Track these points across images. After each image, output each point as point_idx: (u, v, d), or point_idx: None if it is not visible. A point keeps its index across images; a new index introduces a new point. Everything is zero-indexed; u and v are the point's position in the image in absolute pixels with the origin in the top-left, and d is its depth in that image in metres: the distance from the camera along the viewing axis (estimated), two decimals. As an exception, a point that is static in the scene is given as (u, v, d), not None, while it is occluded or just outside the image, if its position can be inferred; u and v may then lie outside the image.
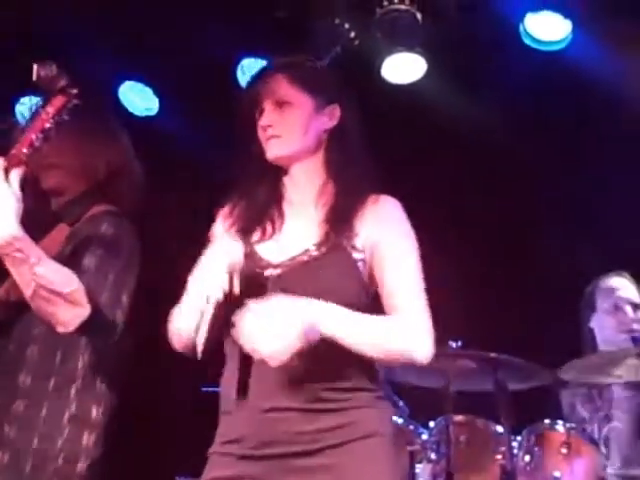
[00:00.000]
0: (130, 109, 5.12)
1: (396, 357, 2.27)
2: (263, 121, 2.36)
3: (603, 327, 4.24)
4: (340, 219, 2.33)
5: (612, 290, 4.27)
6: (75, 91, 2.42)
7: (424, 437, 3.78)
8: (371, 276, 2.32)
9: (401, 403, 4.00)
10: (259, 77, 2.45)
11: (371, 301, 2.33)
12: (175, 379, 4.84)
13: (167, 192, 4.71)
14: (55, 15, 4.72)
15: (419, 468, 3.73)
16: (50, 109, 2.39)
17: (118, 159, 2.82)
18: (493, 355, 3.68)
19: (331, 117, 2.41)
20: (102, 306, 2.53)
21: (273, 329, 2.06)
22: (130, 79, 5.11)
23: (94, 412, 2.63)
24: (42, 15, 4.71)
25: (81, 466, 2.57)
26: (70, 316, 2.44)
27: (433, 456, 3.70)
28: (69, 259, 2.57)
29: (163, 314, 2.37)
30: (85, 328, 2.47)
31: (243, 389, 2.22)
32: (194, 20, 4.76)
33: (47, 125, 2.38)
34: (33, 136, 2.36)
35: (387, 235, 2.33)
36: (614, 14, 4.50)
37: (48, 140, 2.40)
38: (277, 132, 2.36)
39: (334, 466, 2.17)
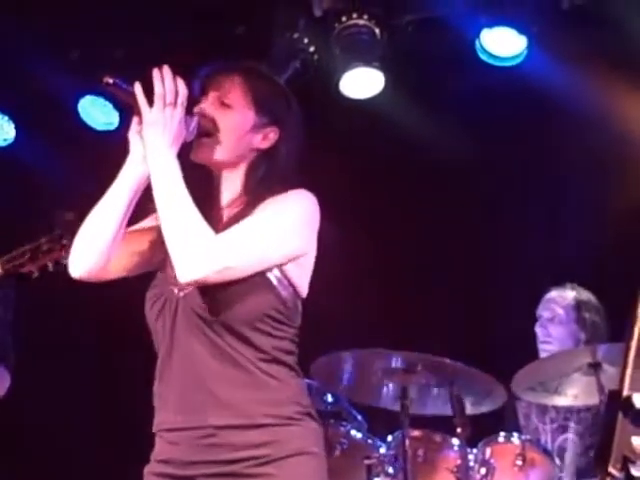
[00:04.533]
0: (90, 123, 5.11)
1: (172, 245, 2.21)
2: (201, 108, 2.36)
3: None
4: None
5: (541, 302, 4.33)
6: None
7: (382, 451, 3.81)
8: (285, 281, 2.30)
9: (359, 417, 4.04)
10: (219, 68, 2.43)
11: (291, 307, 2.30)
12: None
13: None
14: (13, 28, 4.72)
15: (377, 482, 3.77)
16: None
17: None
18: (448, 361, 3.70)
19: (265, 138, 2.40)
20: None
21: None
22: (91, 93, 5.10)
23: None
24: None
25: None
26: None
27: (390, 470, 3.74)
28: None
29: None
30: None
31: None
32: (153, 35, 4.77)
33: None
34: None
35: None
36: (568, 30, 4.58)
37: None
38: (209, 127, 2.34)
39: None
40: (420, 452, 3.75)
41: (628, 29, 4.35)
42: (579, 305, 4.24)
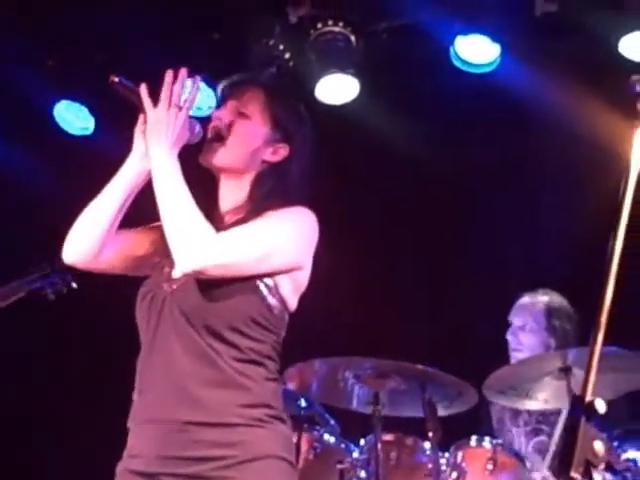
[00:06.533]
0: (65, 128, 5.10)
1: (174, 235, 2.25)
2: (218, 113, 2.45)
3: None
4: None
5: (513, 308, 4.37)
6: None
7: (355, 455, 3.83)
8: (274, 290, 2.32)
9: (332, 421, 4.05)
10: (242, 79, 2.54)
11: (277, 315, 2.33)
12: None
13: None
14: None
15: (349, 486, 3.78)
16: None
17: None
18: (421, 367, 3.72)
19: (275, 153, 2.47)
20: None
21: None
22: (66, 98, 5.09)
23: None
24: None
25: None
26: None
27: (363, 474, 3.75)
28: None
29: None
30: None
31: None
32: (129, 42, 4.78)
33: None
34: None
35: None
36: (540, 38, 4.63)
37: None
38: (223, 132, 2.42)
39: None
40: (392, 456, 3.77)
41: (599, 36, 4.40)
42: (550, 312, 4.27)
